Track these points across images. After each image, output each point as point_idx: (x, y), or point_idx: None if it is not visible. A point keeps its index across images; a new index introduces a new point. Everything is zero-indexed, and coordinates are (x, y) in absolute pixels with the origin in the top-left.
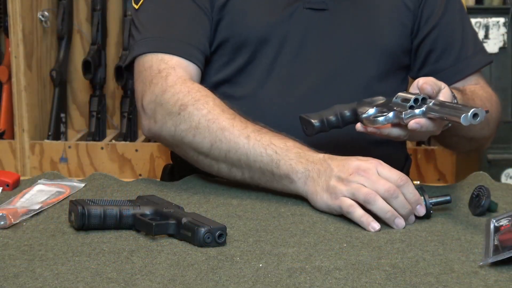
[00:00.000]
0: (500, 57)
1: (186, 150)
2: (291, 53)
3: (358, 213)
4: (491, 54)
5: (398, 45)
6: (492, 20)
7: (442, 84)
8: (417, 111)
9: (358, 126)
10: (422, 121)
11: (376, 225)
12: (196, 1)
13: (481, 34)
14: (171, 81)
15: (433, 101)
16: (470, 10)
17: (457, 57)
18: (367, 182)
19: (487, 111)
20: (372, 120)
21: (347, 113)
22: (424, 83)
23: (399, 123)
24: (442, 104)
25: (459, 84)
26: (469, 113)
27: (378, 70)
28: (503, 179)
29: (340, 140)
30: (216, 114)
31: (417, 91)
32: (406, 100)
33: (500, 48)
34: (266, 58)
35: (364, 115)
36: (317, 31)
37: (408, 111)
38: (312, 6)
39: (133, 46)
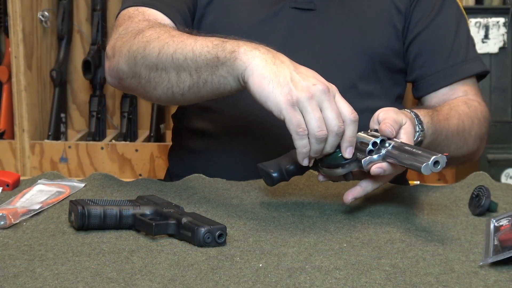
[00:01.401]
0: (500, 57)
1: (140, 73)
2: None
3: (301, 143)
4: (491, 54)
5: (387, 47)
6: (492, 20)
7: (404, 119)
8: (375, 156)
9: (320, 178)
10: (384, 165)
11: (306, 162)
12: None
13: (481, 34)
14: (136, 20)
15: (392, 143)
16: (470, 10)
17: (444, 62)
18: (325, 104)
19: (447, 156)
20: (332, 170)
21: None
22: (382, 124)
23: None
24: (401, 148)
25: (446, 90)
26: (430, 162)
27: (364, 71)
28: (503, 179)
29: None
30: (171, 29)
31: (377, 126)
32: (365, 143)
33: (500, 48)
34: None
35: (321, 163)
36: (301, 30)
37: (367, 157)
38: (298, 5)
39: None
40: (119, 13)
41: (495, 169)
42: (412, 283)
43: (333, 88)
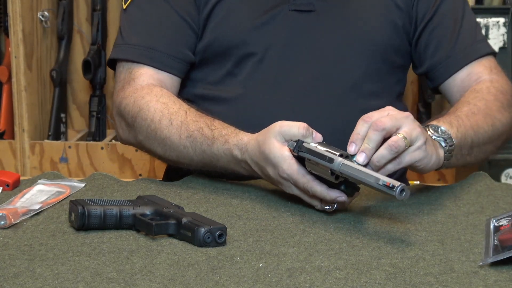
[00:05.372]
0: (500, 57)
1: (153, 155)
2: (276, 55)
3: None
4: None
5: (388, 44)
6: (492, 20)
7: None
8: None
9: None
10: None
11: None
12: (179, 11)
13: None
14: (127, 92)
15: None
16: None
17: (454, 47)
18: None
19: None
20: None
21: None
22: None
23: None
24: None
25: (463, 76)
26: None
27: (367, 70)
28: (503, 179)
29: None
30: (156, 122)
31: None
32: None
33: (500, 48)
34: (250, 61)
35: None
36: (302, 32)
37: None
38: (298, 7)
39: (114, 46)
40: (111, 58)
41: (495, 169)
42: (412, 283)
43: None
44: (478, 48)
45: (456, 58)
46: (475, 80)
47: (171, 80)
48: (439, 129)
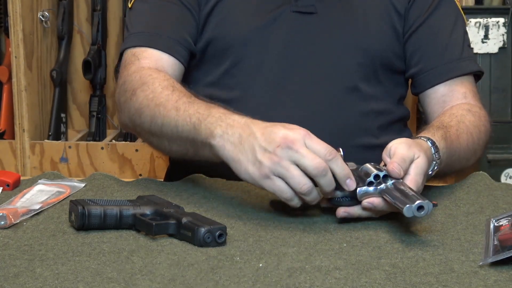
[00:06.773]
0: (500, 57)
1: (141, 133)
2: (275, 56)
3: (294, 203)
4: (491, 54)
5: (388, 49)
6: (492, 20)
7: (416, 153)
8: (371, 188)
9: (323, 202)
10: (376, 201)
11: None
12: (183, 1)
13: (481, 34)
14: (131, 70)
15: (393, 181)
16: (470, 10)
17: (439, 60)
18: (295, 156)
19: (435, 205)
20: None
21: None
22: (390, 164)
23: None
24: (397, 188)
25: (444, 90)
26: (414, 205)
27: (366, 73)
28: (503, 179)
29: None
30: (157, 92)
31: (389, 159)
32: (367, 174)
33: (500, 48)
34: (250, 61)
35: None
36: (302, 34)
37: (363, 188)
38: (299, 9)
39: (123, 41)
40: (120, 52)
41: (495, 169)
42: (412, 283)
43: (299, 136)
44: (463, 65)
45: (439, 71)
46: (459, 99)
47: (174, 67)
48: (440, 156)
